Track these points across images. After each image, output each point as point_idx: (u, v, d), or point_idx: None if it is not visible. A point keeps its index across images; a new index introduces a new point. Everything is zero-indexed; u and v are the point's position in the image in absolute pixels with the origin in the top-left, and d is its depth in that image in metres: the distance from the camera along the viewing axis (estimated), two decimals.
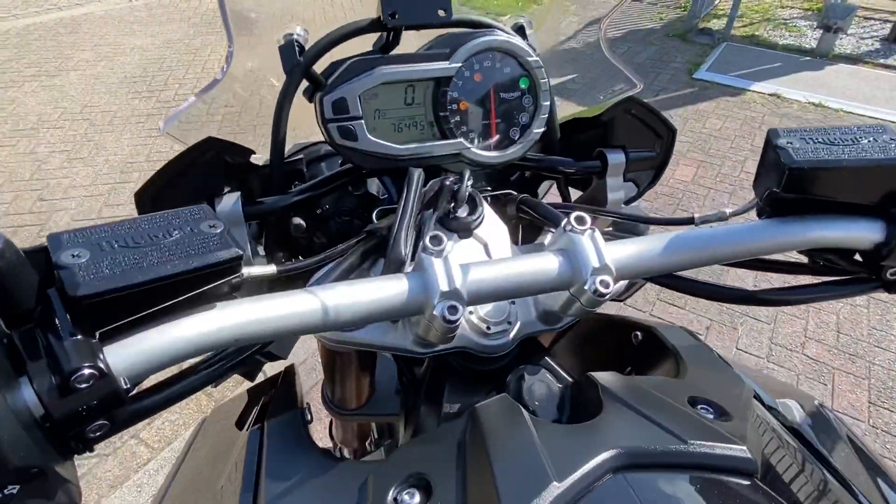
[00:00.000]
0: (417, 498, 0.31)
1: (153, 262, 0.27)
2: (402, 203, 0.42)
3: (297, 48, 0.49)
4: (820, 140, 0.37)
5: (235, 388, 1.65)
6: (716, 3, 5.61)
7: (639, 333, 0.52)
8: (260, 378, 0.61)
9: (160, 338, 0.27)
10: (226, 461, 0.47)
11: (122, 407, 0.26)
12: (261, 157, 0.56)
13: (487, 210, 0.49)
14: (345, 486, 0.34)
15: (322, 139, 0.62)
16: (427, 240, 0.35)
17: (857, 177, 0.36)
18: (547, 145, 0.59)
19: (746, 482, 0.30)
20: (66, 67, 3.93)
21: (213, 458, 0.50)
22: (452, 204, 0.46)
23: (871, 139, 0.37)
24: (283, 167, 0.54)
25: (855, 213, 0.38)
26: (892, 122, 3.57)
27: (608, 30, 4.78)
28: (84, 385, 0.24)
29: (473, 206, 0.47)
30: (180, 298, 0.28)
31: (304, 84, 0.52)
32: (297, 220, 0.57)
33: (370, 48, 0.52)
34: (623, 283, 0.47)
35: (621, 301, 0.61)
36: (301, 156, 0.61)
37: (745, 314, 2.08)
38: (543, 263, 0.37)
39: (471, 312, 0.43)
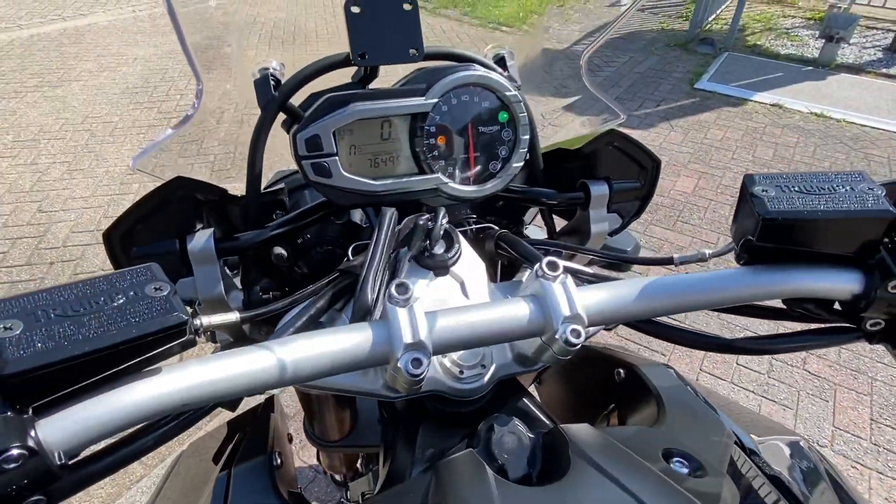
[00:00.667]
0: None
1: (91, 331, 0.26)
2: (373, 245, 0.41)
3: (272, 82, 0.48)
4: (796, 188, 0.36)
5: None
6: (717, 12, 5.61)
7: (621, 371, 0.50)
8: (242, 408, 0.60)
9: (98, 408, 0.26)
10: (197, 501, 0.46)
11: (57, 482, 0.25)
12: (240, 189, 0.55)
13: (465, 246, 0.48)
14: None
15: None
16: (393, 288, 0.34)
17: (833, 227, 0.35)
18: (530, 175, 0.58)
19: None
20: (69, 78, 3.95)
21: (186, 494, 0.49)
22: (428, 241, 0.45)
23: (848, 188, 0.36)
24: (262, 199, 0.53)
25: (832, 263, 0.37)
26: (884, 129, 3.55)
27: (609, 38, 4.79)
28: (13, 465, 0.23)
29: (450, 242, 0.46)
30: (125, 365, 0.27)
31: (283, 116, 0.51)
32: (279, 250, 0.57)
33: (350, 79, 0.51)
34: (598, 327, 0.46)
35: (609, 330, 0.60)
36: (282, 185, 0.60)
37: (746, 328, 2.06)
38: (514, 311, 0.36)
39: (444, 356, 0.42)
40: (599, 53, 4.79)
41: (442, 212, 0.45)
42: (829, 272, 0.37)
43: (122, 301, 0.27)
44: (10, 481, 0.23)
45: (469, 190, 0.50)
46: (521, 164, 0.52)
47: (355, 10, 0.43)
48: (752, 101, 3.93)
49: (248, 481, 0.40)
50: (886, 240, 0.36)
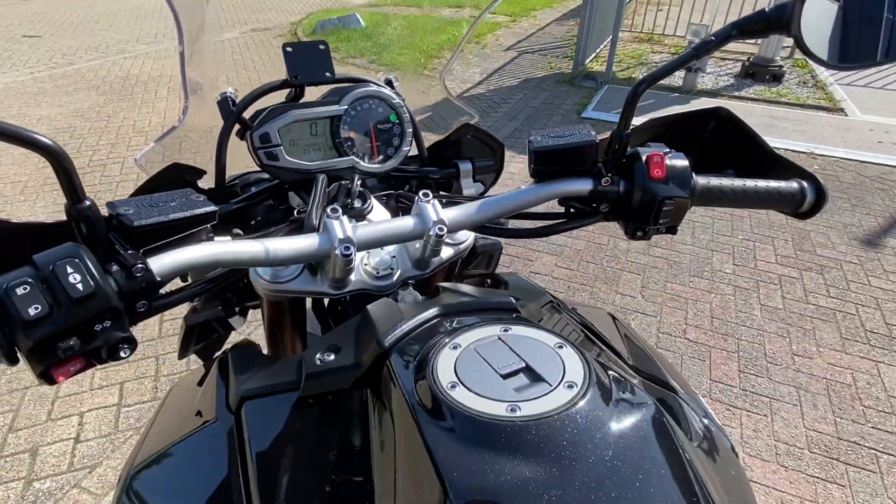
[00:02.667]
0: (332, 356, 0.50)
1: (170, 212, 0.46)
2: (313, 195, 0.63)
3: (230, 102, 0.69)
4: (554, 134, 0.63)
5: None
6: (597, 51, 6.33)
7: (489, 280, 0.74)
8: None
9: (175, 257, 0.46)
10: (195, 398, 0.63)
11: (156, 294, 0.44)
12: (207, 184, 0.74)
13: (375, 203, 0.70)
14: (288, 363, 0.53)
15: (250, 170, 0.82)
16: (329, 210, 0.56)
17: (573, 153, 0.62)
18: (420, 159, 0.82)
19: (510, 312, 0.52)
20: None
21: (184, 404, 0.66)
22: (349, 199, 0.67)
23: (586, 132, 0.63)
24: (224, 187, 0.73)
25: (577, 175, 0.63)
26: None
27: (506, 79, 5.26)
28: (139, 274, 0.42)
29: (364, 199, 0.69)
30: (183, 234, 0.47)
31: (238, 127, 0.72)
32: (237, 230, 0.76)
33: (283, 99, 0.73)
34: (466, 236, 0.69)
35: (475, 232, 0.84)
36: (237, 181, 0.80)
37: (637, 311, 2.40)
38: (405, 221, 0.59)
39: (365, 264, 0.64)
40: (498, 92, 5.27)
41: (356, 177, 0.67)
42: (576, 180, 0.63)
43: (180, 200, 0.47)
44: (136, 283, 0.42)
45: (374, 167, 0.74)
46: (409, 149, 0.76)
47: (289, 49, 0.67)
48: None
49: (242, 352, 0.59)
50: (600, 160, 0.64)
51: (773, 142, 4.16)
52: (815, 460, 1.76)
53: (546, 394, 0.38)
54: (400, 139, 0.75)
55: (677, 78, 5.64)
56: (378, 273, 0.63)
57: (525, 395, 0.38)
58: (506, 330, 0.45)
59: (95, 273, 0.39)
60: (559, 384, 0.39)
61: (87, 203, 0.41)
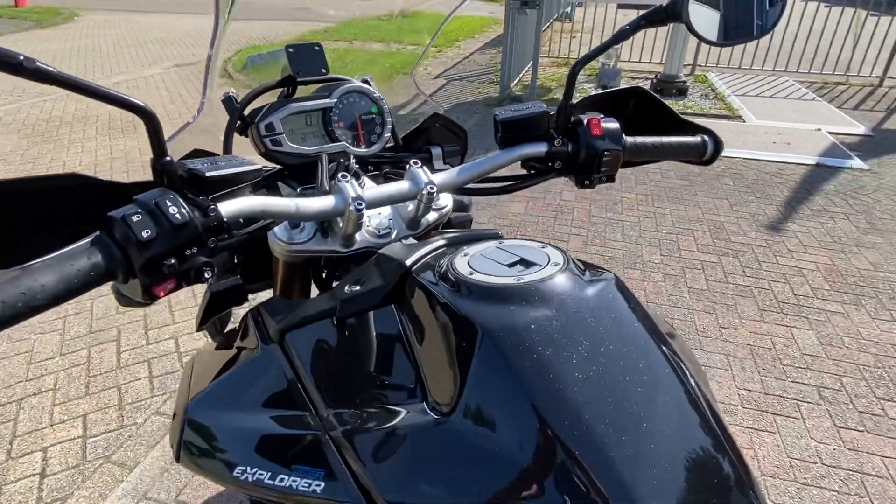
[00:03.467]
0: (359, 287, 0.61)
1: (228, 168, 0.56)
2: (319, 169, 0.74)
3: (233, 100, 0.80)
4: (514, 109, 0.78)
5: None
6: (520, 76, 6.72)
7: None
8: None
9: (235, 204, 0.56)
10: (226, 356, 0.71)
11: (223, 234, 0.53)
12: None
13: (367, 180, 0.82)
14: (318, 300, 0.64)
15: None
16: (339, 176, 0.67)
17: (530, 121, 0.77)
18: (397, 150, 0.95)
19: (499, 238, 0.65)
20: None
21: (217, 361, 0.73)
22: (347, 174, 0.78)
23: (539, 105, 0.79)
24: None
25: (535, 140, 0.78)
26: None
27: (442, 103, 5.50)
28: (212, 214, 0.52)
29: (358, 176, 0.80)
30: (241, 186, 0.57)
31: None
32: None
33: (276, 98, 0.84)
34: (447, 201, 0.82)
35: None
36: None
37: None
38: (402, 184, 0.71)
39: (367, 226, 0.75)
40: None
41: (351, 157, 0.79)
42: (534, 144, 0.78)
43: (231, 161, 0.58)
44: (209, 222, 0.51)
45: (362, 151, 0.86)
46: (389, 136, 0.88)
47: (291, 50, 0.79)
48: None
49: (275, 299, 0.68)
50: (552, 127, 0.79)
51: None
52: (748, 414, 1.98)
53: (538, 271, 0.51)
54: (381, 128, 0.88)
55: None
56: (379, 232, 0.75)
57: (524, 273, 0.51)
58: (500, 242, 0.59)
59: (186, 207, 0.49)
60: (547, 265, 0.52)
61: (168, 158, 0.51)
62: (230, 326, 0.93)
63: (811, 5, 7.43)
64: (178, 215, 0.48)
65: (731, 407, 2.01)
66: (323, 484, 0.48)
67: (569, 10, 11.89)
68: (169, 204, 0.48)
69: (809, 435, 1.89)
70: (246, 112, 0.81)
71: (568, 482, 0.39)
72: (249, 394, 0.60)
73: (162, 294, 0.50)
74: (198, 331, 0.92)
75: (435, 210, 0.80)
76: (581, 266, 0.55)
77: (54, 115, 5.33)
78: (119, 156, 4.32)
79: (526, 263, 0.53)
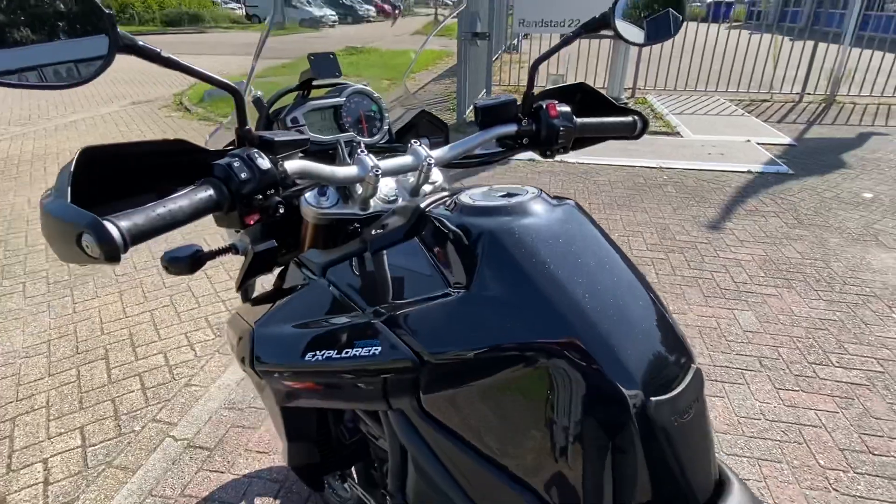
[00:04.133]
0: (382, 230, 0.79)
1: (290, 136, 0.73)
2: (339, 150, 0.92)
3: (262, 101, 0.98)
4: (489, 99, 0.99)
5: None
6: (475, 103, 7.06)
7: None
8: None
9: (293, 163, 0.72)
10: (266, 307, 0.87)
11: (287, 185, 0.70)
12: None
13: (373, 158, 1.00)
14: (349, 244, 0.81)
15: None
16: (358, 151, 0.85)
17: (503, 108, 0.98)
18: (391, 142, 1.14)
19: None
20: None
21: (257, 309, 0.88)
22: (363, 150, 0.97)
23: (509, 96, 0.99)
24: None
25: (507, 122, 0.99)
26: (602, 163, 4.96)
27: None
28: (280, 168, 0.69)
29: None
30: (293, 152, 0.74)
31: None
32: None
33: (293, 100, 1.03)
34: (438, 176, 1.01)
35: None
36: None
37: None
38: (406, 157, 0.90)
39: (378, 195, 0.93)
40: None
41: (361, 143, 0.98)
42: (506, 125, 0.98)
43: (286, 134, 0.75)
44: (278, 175, 0.68)
45: (367, 140, 1.04)
46: (388, 128, 1.07)
47: (312, 57, 0.97)
48: (515, 160, 5.11)
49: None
50: (519, 112, 1.00)
51: (631, 161, 4.93)
52: None
53: (522, 196, 0.71)
54: (380, 122, 1.07)
55: None
56: (388, 199, 0.93)
57: (511, 199, 0.70)
58: (491, 187, 0.78)
59: (268, 159, 0.66)
60: (528, 194, 0.72)
61: (248, 126, 0.68)
62: (257, 291, 1.08)
63: (734, 32, 8.14)
64: (264, 164, 0.65)
65: None
66: (380, 348, 0.65)
67: (515, 41, 12.62)
68: (256, 156, 0.65)
69: (754, 397, 2.13)
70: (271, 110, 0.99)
71: (555, 325, 0.58)
72: (304, 310, 0.76)
73: (251, 222, 0.67)
74: (237, 290, 1.06)
75: (430, 183, 0.99)
76: (552, 196, 0.75)
77: (12, 153, 5.28)
78: None
79: (512, 195, 0.73)
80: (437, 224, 0.72)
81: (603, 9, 0.94)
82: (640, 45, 1.00)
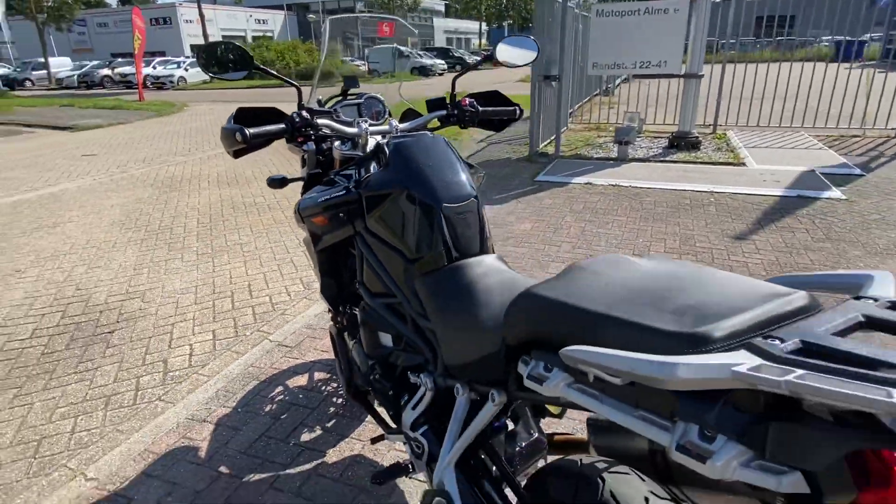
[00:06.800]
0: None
1: (316, 110, 1.57)
2: (354, 124, 1.75)
3: (320, 101, 1.84)
4: (433, 98, 1.75)
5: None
6: (551, 138, 7.79)
7: None
8: None
9: (323, 118, 1.55)
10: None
11: (317, 128, 1.52)
12: None
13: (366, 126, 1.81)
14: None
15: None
16: (359, 121, 1.67)
17: (439, 101, 1.74)
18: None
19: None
20: (62, 221, 5.02)
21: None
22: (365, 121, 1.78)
23: (442, 98, 1.76)
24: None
25: (442, 108, 1.75)
26: (654, 187, 5.42)
27: (476, 160, 6.63)
28: (313, 121, 1.51)
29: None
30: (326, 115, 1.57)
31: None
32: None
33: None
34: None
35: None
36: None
37: None
38: (383, 127, 1.70)
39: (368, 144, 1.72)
40: None
41: (366, 119, 1.80)
42: (441, 111, 1.75)
43: (328, 109, 1.58)
44: (308, 122, 1.49)
45: (375, 126, 1.86)
46: (388, 117, 1.89)
47: (344, 77, 1.83)
48: (572, 183, 5.74)
49: None
50: (448, 103, 1.76)
51: (684, 185, 5.34)
52: None
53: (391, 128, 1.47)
54: (383, 115, 1.88)
55: (614, 151, 7.02)
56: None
57: (409, 133, 1.47)
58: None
59: (306, 116, 1.49)
60: (424, 133, 1.47)
61: (302, 104, 1.52)
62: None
63: (820, 65, 8.15)
64: (304, 116, 1.48)
65: None
66: (345, 192, 1.43)
67: (611, 85, 13.19)
68: (306, 113, 1.48)
69: None
70: (326, 106, 1.85)
71: (411, 181, 1.33)
72: (322, 188, 1.57)
73: (300, 140, 1.49)
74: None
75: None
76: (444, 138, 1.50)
77: (176, 175, 6.87)
78: (225, 199, 5.64)
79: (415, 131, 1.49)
80: (381, 146, 1.50)
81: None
82: (520, 66, 1.72)
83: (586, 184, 5.68)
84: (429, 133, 1.48)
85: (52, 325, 3.07)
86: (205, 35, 30.27)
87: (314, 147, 1.74)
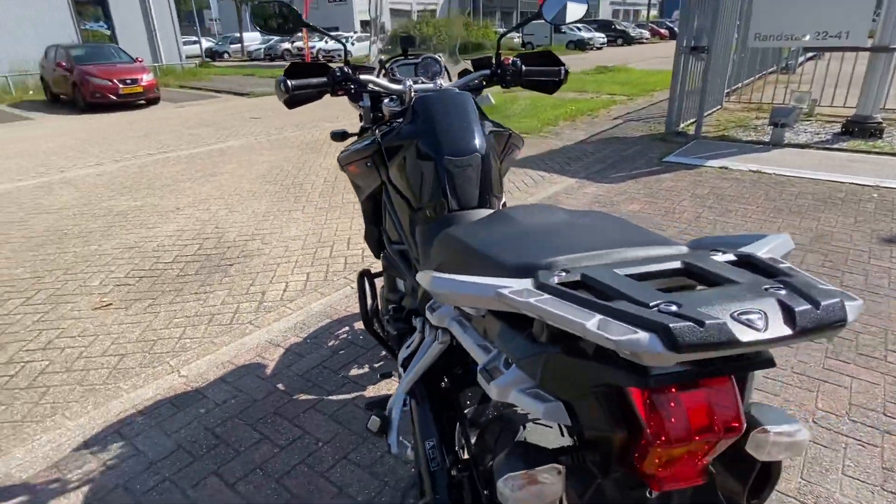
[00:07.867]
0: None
1: (354, 68, 1.68)
2: (403, 83, 1.82)
3: (381, 61, 1.94)
4: (476, 57, 1.75)
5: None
6: (706, 115, 7.13)
7: None
8: None
9: (366, 75, 1.66)
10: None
11: (358, 82, 1.63)
12: None
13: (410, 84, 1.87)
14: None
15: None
16: (407, 80, 1.74)
17: (482, 62, 1.74)
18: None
19: None
20: (220, 172, 5.84)
21: None
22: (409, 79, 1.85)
23: (489, 56, 1.75)
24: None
25: (486, 68, 1.74)
26: (804, 177, 4.72)
27: (606, 137, 6.45)
28: (354, 76, 1.63)
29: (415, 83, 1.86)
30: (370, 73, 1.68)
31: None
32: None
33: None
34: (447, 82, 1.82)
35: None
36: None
37: None
38: (427, 85, 1.75)
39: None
40: (594, 145, 6.33)
41: (410, 78, 1.86)
42: (485, 70, 1.73)
43: (375, 73, 1.69)
44: (349, 77, 1.61)
45: (428, 84, 1.91)
46: (445, 76, 1.93)
47: (402, 34, 1.91)
48: (704, 166, 5.25)
49: None
50: (493, 63, 1.73)
51: (843, 177, 4.64)
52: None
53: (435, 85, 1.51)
54: (440, 75, 1.93)
55: (767, 133, 6.24)
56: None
57: (433, 89, 1.50)
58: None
59: (347, 72, 1.61)
60: (440, 88, 1.50)
61: (348, 60, 1.64)
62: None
63: None
64: (345, 71, 1.59)
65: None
66: (370, 142, 1.53)
67: (792, 61, 11.47)
68: (347, 69, 1.60)
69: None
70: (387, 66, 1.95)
71: (423, 133, 1.37)
72: (361, 140, 1.68)
73: (340, 93, 1.62)
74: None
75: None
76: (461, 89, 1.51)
77: (320, 139, 7.56)
78: None
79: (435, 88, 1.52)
80: (418, 99, 1.57)
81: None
82: (566, 23, 1.65)
83: (721, 168, 5.15)
84: (454, 90, 1.51)
85: (189, 254, 3.65)
86: (370, 11, 32.21)
87: (369, 104, 1.85)
